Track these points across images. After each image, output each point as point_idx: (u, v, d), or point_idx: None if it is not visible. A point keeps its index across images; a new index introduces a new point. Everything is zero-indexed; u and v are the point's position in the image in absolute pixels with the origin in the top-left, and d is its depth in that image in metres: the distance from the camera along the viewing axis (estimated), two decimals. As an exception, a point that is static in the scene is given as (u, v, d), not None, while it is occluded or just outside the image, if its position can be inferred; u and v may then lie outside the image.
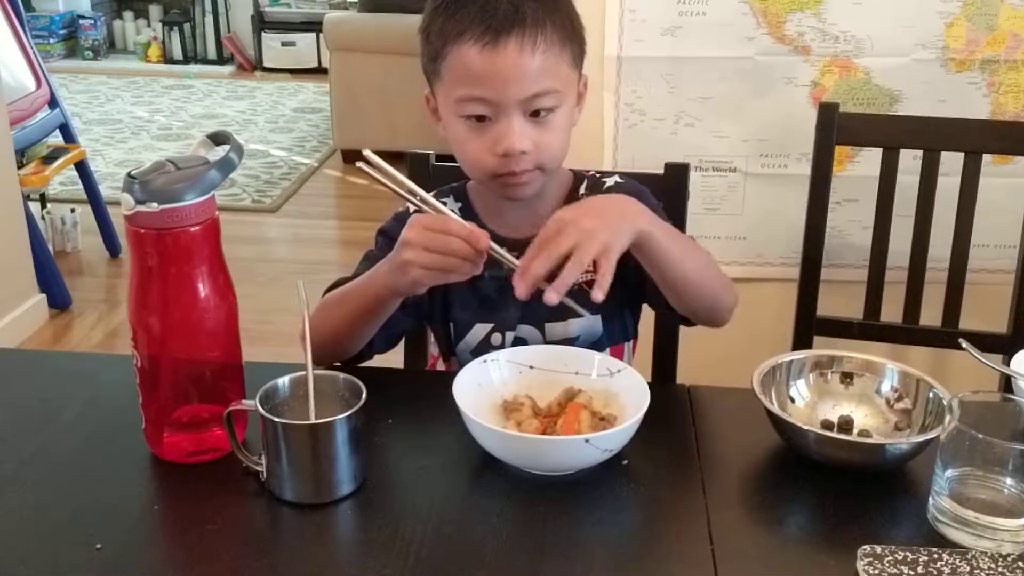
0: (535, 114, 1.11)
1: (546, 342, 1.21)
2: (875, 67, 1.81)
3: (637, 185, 1.27)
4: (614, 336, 1.26)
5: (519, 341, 1.20)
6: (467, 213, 1.25)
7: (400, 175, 1.05)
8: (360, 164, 1.03)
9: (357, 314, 1.13)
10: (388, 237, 1.23)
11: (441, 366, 1.31)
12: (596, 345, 1.21)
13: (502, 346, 1.20)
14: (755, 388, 1.03)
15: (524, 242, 1.20)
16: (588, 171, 1.29)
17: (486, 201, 1.24)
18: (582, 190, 1.25)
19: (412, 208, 1.08)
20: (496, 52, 1.08)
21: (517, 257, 1.03)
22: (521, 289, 0.99)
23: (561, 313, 1.22)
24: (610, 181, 1.27)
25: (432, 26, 1.14)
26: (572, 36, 1.14)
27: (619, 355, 1.24)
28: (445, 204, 1.25)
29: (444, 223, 1.02)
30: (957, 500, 0.89)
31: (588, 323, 1.23)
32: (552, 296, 0.97)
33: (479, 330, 1.23)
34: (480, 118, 1.12)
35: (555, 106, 1.12)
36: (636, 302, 1.29)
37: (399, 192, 1.05)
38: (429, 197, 1.07)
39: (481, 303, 1.21)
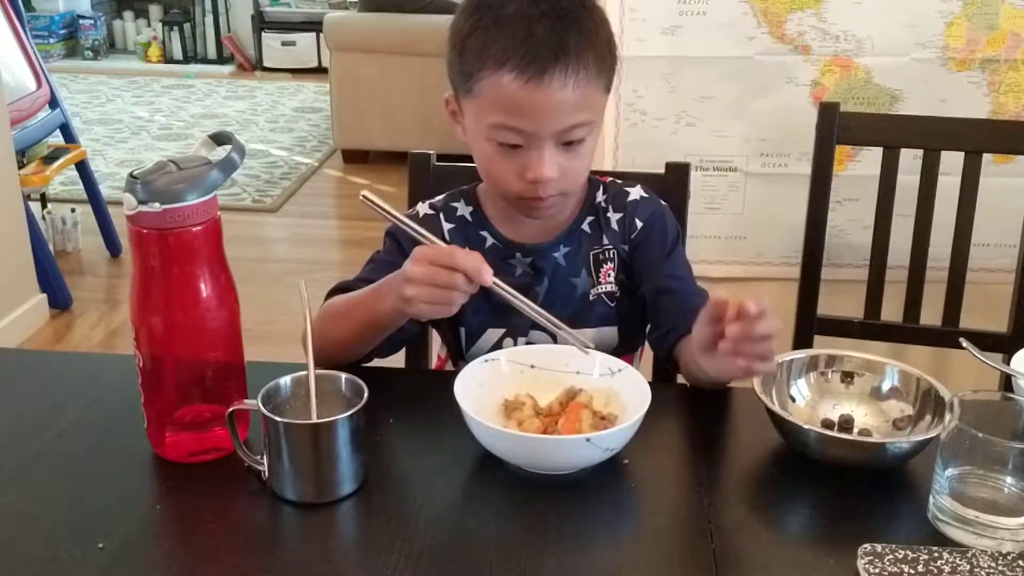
0: (566, 143, 1.11)
1: None
2: (875, 66, 1.82)
3: (661, 207, 1.26)
4: (627, 347, 1.27)
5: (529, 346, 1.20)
6: (478, 218, 1.24)
7: (399, 213, 1.05)
8: (362, 200, 1.03)
9: (363, 329, 1.12)
10: (395, 239, 1.22)
11: (450, 367, 1.31)
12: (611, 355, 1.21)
13: None
14: (755, 387, 1.03)
15: (533, 248, 1.21)
16: (605, 176, 1.28)
17: (497, 206, 1.23)
18: (599, 196, 1.25)
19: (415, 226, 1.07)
20: (539, 88, 1.06)
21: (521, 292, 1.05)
22: None
23: (575, 322, 1.22)
24: (633, 193, 1.25)
25: (469, 43, 1.10)
26: (608, 61, 1.13)
27: (628, 363, 1.24)
28: (456, 208, 1.25)
29: (451, 256, 1.00)
30: (957, 499, 0.89)
31: (606, 334, 1.23)
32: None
33: (491, 335, 1.22)
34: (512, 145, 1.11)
35: (586, 136, 1.12)
36: (643, 319, 1.29)
37: (399, 222, 1.05)
38: (433, 237, 1.05)
39: (493, 309, 1.19)
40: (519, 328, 1.21)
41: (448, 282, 0.99)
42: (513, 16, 1.08)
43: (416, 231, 1.05)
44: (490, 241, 1.22)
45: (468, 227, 1.24)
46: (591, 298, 1.23)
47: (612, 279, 1.24)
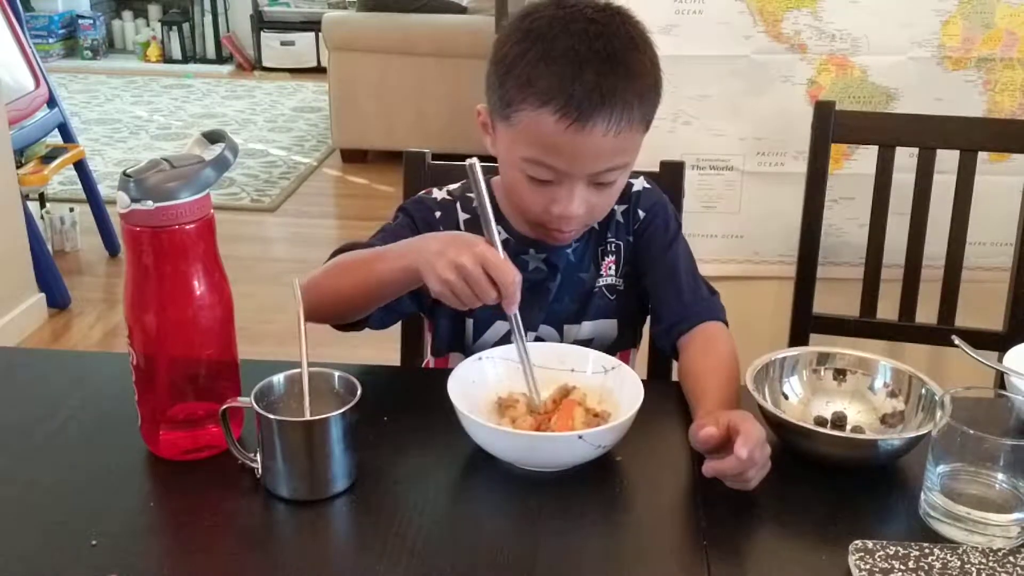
0: (598, 183, 1.10)
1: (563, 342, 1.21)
2: (872, 65, 1.82)
3: (662, 197, 1.27)
4: (625, 342, 1.27)
5: (538, 340, 1.20)
6: (493, 212, 1.23)
7: (487, 199, 1.02)
8: (468, 166, 1.01)
9: (371, 284, 1.09)
10: (410, 217, 1.22)
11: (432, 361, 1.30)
12: (609, 350, 1.21)
13: None
14: (748, 385, 1.04)
15: (547, 244, 1.20)
16: None
17: (510, 200, 1.22)
18: None
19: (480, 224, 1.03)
20: (579, 133, 1.04)
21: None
22: None
23: (579, 315, 1.22)
24: (636, 185, 1.26)
25: (514, 70, 1.07)
26: (654, 102, 1.11)
27: (625, 360, 1.24)
28: (472, 199, 1.22)
29: (503, 274, 0.97)
30: (949, 496, 0.90)
31: (603, 327, 1.23)
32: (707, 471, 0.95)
33: (499, 327, 1.22)
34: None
35: (619, 176, 1.12)
36: (646, 314, 1.29)
37: (482, 208, 1.02)
38: (499, 241, 1.01)
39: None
40: (528, 323, 1.21)
41: (483, 292, 0.98)
42: (563, 53, 1.05)
43: (489, 227, 1.01)
44: (503, 236, 1.22)
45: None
46: (594, 290, 1.24)
47: (613, 272, 1.24)
